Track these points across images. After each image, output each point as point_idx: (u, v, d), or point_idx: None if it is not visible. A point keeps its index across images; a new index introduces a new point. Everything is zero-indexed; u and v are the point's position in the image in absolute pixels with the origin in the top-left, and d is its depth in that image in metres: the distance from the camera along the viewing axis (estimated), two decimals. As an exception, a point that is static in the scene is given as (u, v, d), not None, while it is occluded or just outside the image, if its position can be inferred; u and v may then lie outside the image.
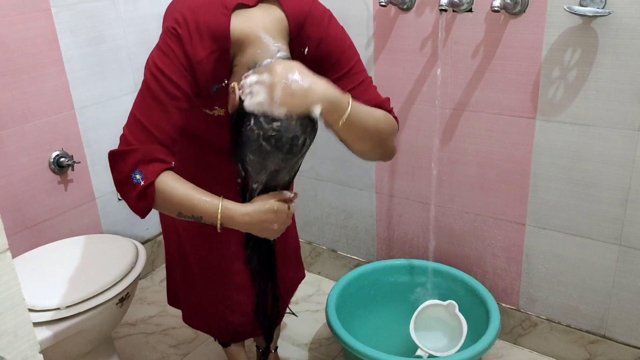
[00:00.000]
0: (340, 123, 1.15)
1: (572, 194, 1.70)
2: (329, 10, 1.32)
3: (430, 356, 1.69)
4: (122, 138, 1.20)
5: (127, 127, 1.19)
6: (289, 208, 1.25)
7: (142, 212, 1.20)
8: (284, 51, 1.21)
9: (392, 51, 1.88)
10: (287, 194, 1.25)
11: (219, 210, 1.19)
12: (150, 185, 1.16)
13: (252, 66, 1.18)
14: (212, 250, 1.53)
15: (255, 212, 1.21)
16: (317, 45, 1.28)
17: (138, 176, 1.16)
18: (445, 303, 1.76)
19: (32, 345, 0.71)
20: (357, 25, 1.90)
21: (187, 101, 1.21)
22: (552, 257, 1.80)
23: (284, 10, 1.24)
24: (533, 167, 1.74)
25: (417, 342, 1.70)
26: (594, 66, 1.55)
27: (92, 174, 2.15)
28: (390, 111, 1.32)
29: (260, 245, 1.38)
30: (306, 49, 1.25)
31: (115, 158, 1.19)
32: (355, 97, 1.20)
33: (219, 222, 1.19)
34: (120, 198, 2.23)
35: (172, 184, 1.17)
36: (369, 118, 1.23)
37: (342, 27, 1.33)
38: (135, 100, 1.21)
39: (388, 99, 1.34)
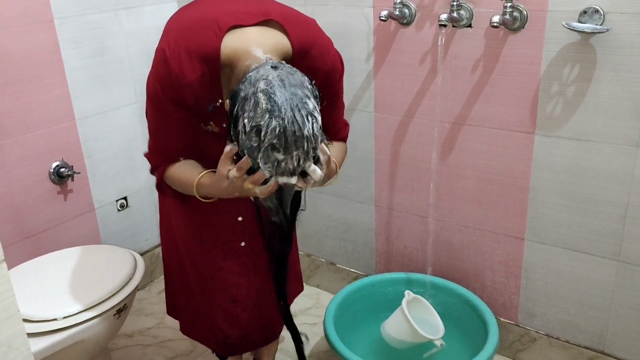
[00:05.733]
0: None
1: (571, 209, 1.70)
2: (330, 39, 1.33)
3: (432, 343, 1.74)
4: (147, 154, 1.39)
5: (149, 146, 1.37)
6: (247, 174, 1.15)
7: (167, 191, 1.40)
8: (275, 60, 1.17)
9: (392, 65, 1.89)
10: (227, 157, 1.16)
11: (194, 187, 1.28)
12: (161, 181, 1.38)
13: (242, 77, 1.13)
14: (209, 263, 1.53)
15: (215, 187, 1.23)
16: (324, 80, 1.28)
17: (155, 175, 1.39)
18: (406, 295, 1.79)
19: (27, 357, 0.70)
20: (358, 39, 1.91)
21: (191, 117, 1.26)
22: (550, 272, 1.80)
23: (287, 35, 1.22)
24: (532, 182, 1.74)
25: (429, 336, 1.71)
26: (593, 82, 1.55)
27: (91, 184, 2.16)
28: (346, 137, 1.49)
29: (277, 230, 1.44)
30: (313, 81, 1.21)
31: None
32: (330, 124, 1.38)
33: (197, 195, 1.29)
34: (120, 208, 2.25)
35: (171, 175, 1.34)
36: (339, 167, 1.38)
37: (339, 55, 1.36)
38: (147, 122, 1.33)
39: (348, 125, 1.50)
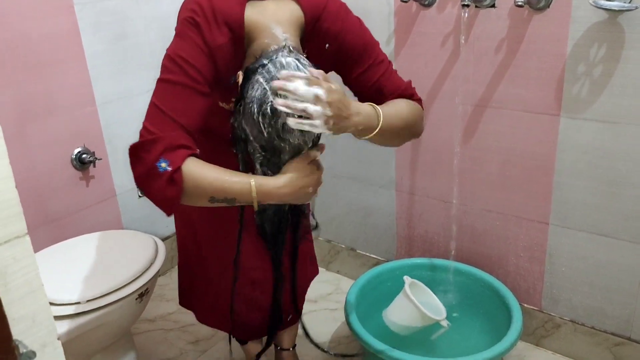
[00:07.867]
0: (371, 136, 1.23)
1: (597, 192, 1.66)
2: (344, 3, 1.33)
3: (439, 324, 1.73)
4: (143, 131, 1.13)
5: (147, 119, 1.14)
6: (318, 168, 1.25)
7: (170, 203, 1.12)
8: (291, 41, 1.22)
9: (413, 47, 1.86)
10: (315, 153, 1.24)
11: (253, 189, 1.14)
12: (178, 170, 1.09)
13: (259, 55, 1.20)
14: (229, 247, 1.52)
15: (291, 182, 1.19)
16: (335, 40, 1.29)
17: (164, 164, 1.09)
18: (406, 281, 1.77)
19: (51, 331, 0.70)
20: (378, 21, 1.89)
21: (209, 86, 1.20)
22: (576, 257, 1.77)
23: (299, 4, 1.26)
24: (557, 165, 1.70)
25: (436, 317, 1.69)
26: (620, 62, 1.51)
27: (113, 170, 2.17)
28: (413, 95, 1.37)
29: (275, 214, 1.40)
30: (327, 45, 1.24)
31: (137, 150, 1.13)
32: (381, 86, 1.31)
33: (255, 201, 1.16)
34: (141, 194, 2.26)
35: (201, 168, 1.12)
36: (398, 120, 1.28)
37: (359, 19, 1.35)
38: (154, 91, 1.17)
39: (410, 82, 1.39)
